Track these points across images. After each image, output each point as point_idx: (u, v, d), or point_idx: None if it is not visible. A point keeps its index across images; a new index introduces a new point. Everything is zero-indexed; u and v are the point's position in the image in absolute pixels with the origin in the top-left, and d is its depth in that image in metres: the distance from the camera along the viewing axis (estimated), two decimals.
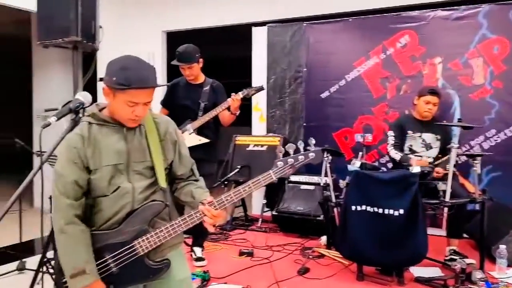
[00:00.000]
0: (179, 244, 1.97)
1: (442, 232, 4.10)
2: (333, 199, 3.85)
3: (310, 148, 4.57)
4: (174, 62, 3.64)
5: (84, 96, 1.75)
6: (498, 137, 4.39)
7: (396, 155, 3.91)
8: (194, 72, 3.65)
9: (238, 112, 3.57)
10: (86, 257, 1.75)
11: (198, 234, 3.88)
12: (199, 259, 3.74)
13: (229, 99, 3.51)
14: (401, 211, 3.14)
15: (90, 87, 3.09)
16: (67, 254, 1.75)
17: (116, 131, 1.83)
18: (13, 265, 4.01)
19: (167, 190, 1.91)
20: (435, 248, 3.61)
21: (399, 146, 3.99)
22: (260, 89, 3.63)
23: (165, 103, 3.82)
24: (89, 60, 3.69)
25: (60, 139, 1.70)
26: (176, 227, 1.81)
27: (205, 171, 3.68)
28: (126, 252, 1.79)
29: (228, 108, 3.53)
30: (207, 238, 4.28)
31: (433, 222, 4.49)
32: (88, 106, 1.81)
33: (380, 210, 3.21)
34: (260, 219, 5.04)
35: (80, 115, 1.73)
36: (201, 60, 3.66)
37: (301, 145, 5.28)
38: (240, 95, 3.49)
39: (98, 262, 1.79)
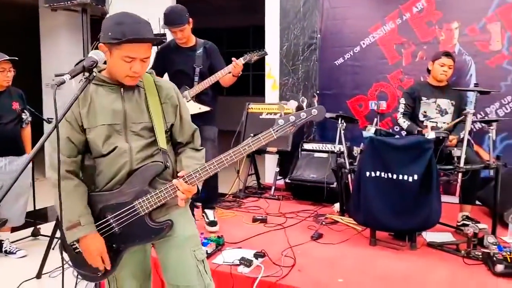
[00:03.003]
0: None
1: (455, 199, 4.10)
2: (347, 166, 3.84)
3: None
4: (164, 27, 3.40)
5: (97, 54, 1.72)
6: None
7: (404, 124, 3.97)
8: (186, 35, 3.42)
9: (240, 74, 3.42)
10: (80, 210, 1.79)
11: (207, 199, 3.84)
12: (212, 223, 3.70)
13: (230, 66, 3.37)
14: (416, 177, 3.12)
15: None
16: (62, 208, 1.72)
17: (113, 91, 1.83)
18: (28, 231, 4.13)
19: (168, 152, 1.90)
20: (448, 215, 3.61)
21: (408, 114, 4.02)
22: (263, 54, 3.49)
23: (155, 69, 3.71)
24: (98, 26, 3.66)
25: (74, 98, 1.67)
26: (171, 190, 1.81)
27: (204, 135, 3.61)
28: (127, 213, 1.82)
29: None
30: (218, 203, 4.30)
31: (446, 190, 4.49)
32: (101, 64, 1.78)
33: (395, 176, 3.20)
34: (273, 187, 5.04)
35: (94, 73, 1.70)
36: (191, 20, 3.41)
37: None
38: (242, 60, 3.36)
39: (100, 222, 1.83)
